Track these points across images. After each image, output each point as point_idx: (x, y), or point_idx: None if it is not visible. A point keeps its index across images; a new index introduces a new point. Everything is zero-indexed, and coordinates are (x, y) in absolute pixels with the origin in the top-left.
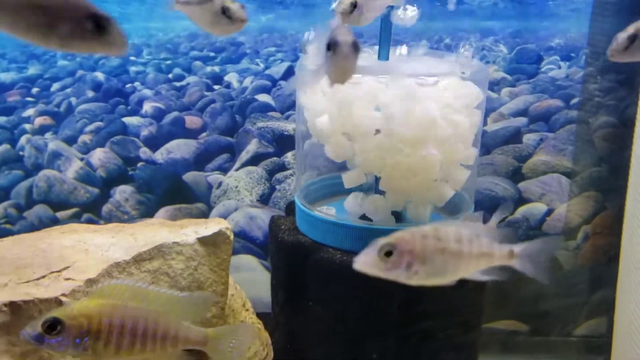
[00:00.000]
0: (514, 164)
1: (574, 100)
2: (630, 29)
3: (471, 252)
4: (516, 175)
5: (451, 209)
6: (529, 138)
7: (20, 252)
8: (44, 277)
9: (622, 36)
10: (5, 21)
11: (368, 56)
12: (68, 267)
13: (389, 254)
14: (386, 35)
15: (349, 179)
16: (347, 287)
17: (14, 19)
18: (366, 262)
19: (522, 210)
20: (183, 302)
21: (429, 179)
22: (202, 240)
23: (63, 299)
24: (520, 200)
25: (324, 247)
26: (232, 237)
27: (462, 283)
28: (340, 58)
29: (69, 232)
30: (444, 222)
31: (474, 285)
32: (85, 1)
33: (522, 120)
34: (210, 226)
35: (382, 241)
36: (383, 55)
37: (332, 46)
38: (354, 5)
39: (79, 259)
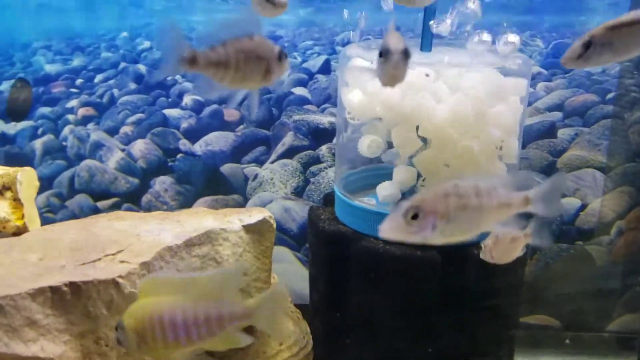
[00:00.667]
0: (549, 158)
1: (610, 95)
2: (585, 37)
3: (491, 204)
4: (551, 170)
5: None
6: (564, 133)
7: (75, 236)
8: (99, 259)
9: (577, 44)
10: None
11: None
12: (122, 250)
13: (415, 217)
14: (428, 27)
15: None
16: (388, 276)
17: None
18: (392, 228)
19: None
20: (218, 280)
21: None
22: (247, 228)
23: (120, 280)
24: None
25: (365, 237)
26: (274, 225)
27: (504, 277)
28: (391, 66)
29: (116, 218)
30: (461, 177)
31: (513, 279)
32: (272, 42)
33: (557, 114)
34: (254, 214)
35: (405, 205)
36: (426, 46)
37: (384, 54)
38: None
39: (132, 243)
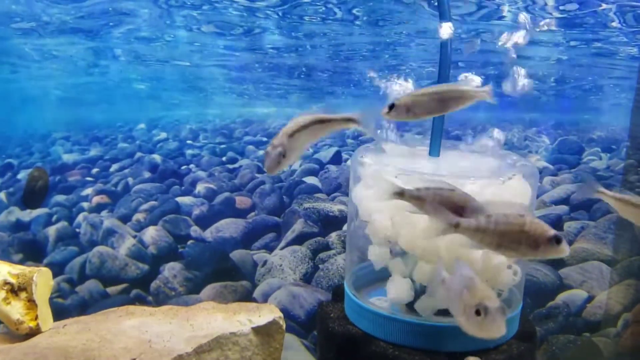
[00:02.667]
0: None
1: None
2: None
3: None
4: (557, 262)
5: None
6: (570, 226)
7: (88, 342)
8: None
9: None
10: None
11: (416, 151)
12: (134, 359)
13: None
14: (437, 132)
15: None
16: None
17: None
18: None
19: (562, 297)
20: None
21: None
22: (256, 330)
23: None
24: (561, 286)
25: (375, 340)
26: (284, 326)
27: None
28: (491, 325)
29: (127, 315)
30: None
31: None
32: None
33: (564, 208)
34: (263, 314)
35: None
36: (434, 151)
37: (481, 311)
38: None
39: (144, 351)
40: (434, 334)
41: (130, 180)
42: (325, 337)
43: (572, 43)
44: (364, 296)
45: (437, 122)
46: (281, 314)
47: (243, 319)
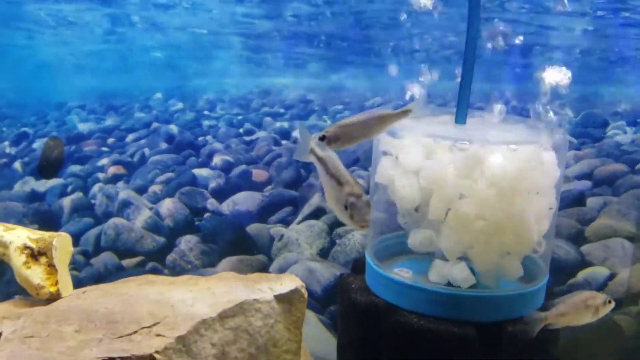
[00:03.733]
0: (577, 226)
1: (639, 166)
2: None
3: None
4: (579, 238)
5: (526, 277)
6: (592, 201)
7: (110, 305)
8: (135, 332)
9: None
10: None
11: (445, 119)
12: (158, 322)
13: None
14: (464, 98)
15: (418, 242)
16: (423, 352)
17: None
18: None
19: (584, 274)
20: None
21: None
22: (279, 298)
23: (157, 356)
24: (583, 263)
25: (398, 310)
26: (306, 295)
27: (539, 352)
28: (357, 217)
29: (147, 283)
30: None
31: (548, 355)
32: None
33: (587, 183)
34: (285, 283)
35: None
36: (461, 118)
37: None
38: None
39: (167, 315)
40: (459, 303)
41: (146, 150)
42: (347, 308)
43: (599, 13)
44: (386, 268)
45: (464, 90)
46: (303, 283)
47: (264, 287)
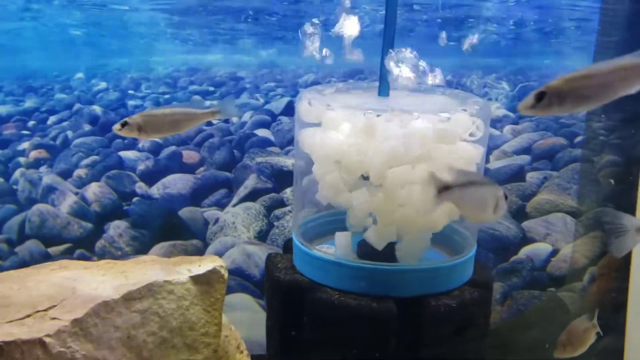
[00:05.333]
0: (518, 202)
1: (578, 139)
2: (542, 87)
3: None
4: (520, 214)
5: (453, 248)
6: (532, 176)
7: (6, 290)
8: (29, 316)
9: (532, 93)
10: None
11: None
12: (54, 305)
13: None
14: (385, 71)
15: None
16: (343, 327)
17: None
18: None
19: (526, 250)
20: None
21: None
22: (195, 279)
23: (47, 339)
24: (524, 239)
25: (322, 287)
26: (226, 275)
27: (464, 329)
28: None
29: (60, 268)
30: None
31: (476, 331)
32: None
33: (526, 158)
34: (204, 264)
35: None
36: (383, 91)
37: None
38: None
39: (66, 297)
40: (381, 279)
41: (69, 133)
42: (272, 286)
43: None
44: (312, 247)
45: (385, 65)
46: (223, 263)
47: (182, 269)
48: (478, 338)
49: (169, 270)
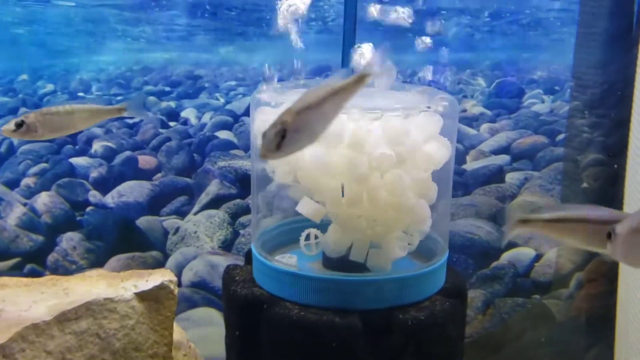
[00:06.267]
0: (497, 205)
1: (560, 137)
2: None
3: None
4: (500, 218)
5: (424, 254)
6: (512, 177)
7: None
8: None
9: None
10: None
11: None
12: None
13: None
14: (347, 69)
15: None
16: (305, 346)
17: None
18: None
19: (507, 256)
20: None
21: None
22: (141, 295)
23: None
24: (506, 244)
25: (281, 301)
26: (176, 291)
27: (435, 344)
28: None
29: None
30: None
31: (449, 347)
32: None
33: (505, 158)
34: (152, 278)
35: None
36: None
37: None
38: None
39: None
40: (344, 291)
41: (15, 140)
42: (228, 301)
43: None
44: (272, 258)
45: (345, 61)
46: (173, 278)
47: (129, 285)
48: (452, 353)
49: (115, 286)
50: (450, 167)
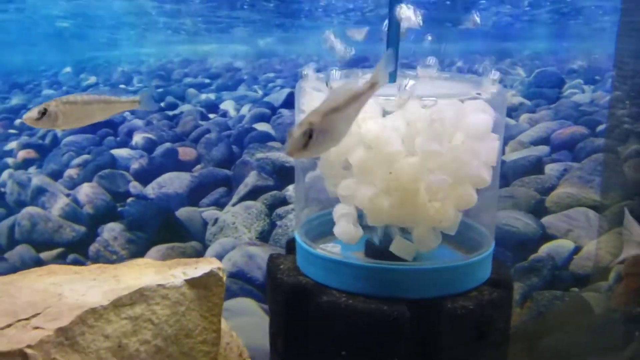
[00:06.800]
0: (536, 196)
1: (601, 127)
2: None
3: None
4: (539, 210)
5: (469, 246)
6: (551, 168)
7: None
8: (9, 325)
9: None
10: None
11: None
12: (38, 313)
13: None
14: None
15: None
16: (351, 333)
17: None
18: None
19: (546, 248)
20: None
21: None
22: (191, 283)
23: (28, 351)
24: (544, 236)
25: (327, 289)
26: (224, 278)
27: (483, 334)
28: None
29: (47, 274)
30: None
31: (496, 336)
32: None
33: (544, 149)
34: (200, 266)
35: None
36: (390, 76)
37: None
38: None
39: (51, 304)
40: (391, 279)
41: (58, 132)
42: (274, 289)
43: None
44: (316, 246)
45: (392, 49)
46: (221, 265)
47: (177, 272)
48: (498, 343)
49: (164, 273)
50: (499, 159)
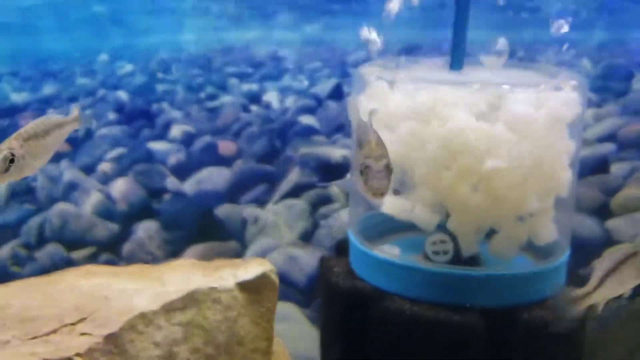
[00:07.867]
0: (601, 197)
1: None
2: None
3: None
4: (603, 212)
5: (542, 252)
6: (618, 167)
7: (28, 300)
8: (54, 331)
9: None
10: None
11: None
12: (84, 318)
13: None
14: (459, 42)
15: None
16: (418, 344)
17: None
18: None
19: None
20: None
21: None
22: (242, 286)
23: (77, 359)
24: (609, 240)
25: (387, 295)
26: (277, 282)
27: (561, 344)
28: (371, 184)
29: (86, 274)
30: None
31: (575, 350)
32: None
33: (610, 146)
34: (250, 268)
35: None
36: (456, 64)
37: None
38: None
39: (97, 308)
40: (462, 285)
41: (92, 123)
42: (328, 295)
43: None
44: (373, 248)
45: (458, 33)
46: (273, 267)
47: (226, 274)
48: (574, 357)
49: (211, 275)
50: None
